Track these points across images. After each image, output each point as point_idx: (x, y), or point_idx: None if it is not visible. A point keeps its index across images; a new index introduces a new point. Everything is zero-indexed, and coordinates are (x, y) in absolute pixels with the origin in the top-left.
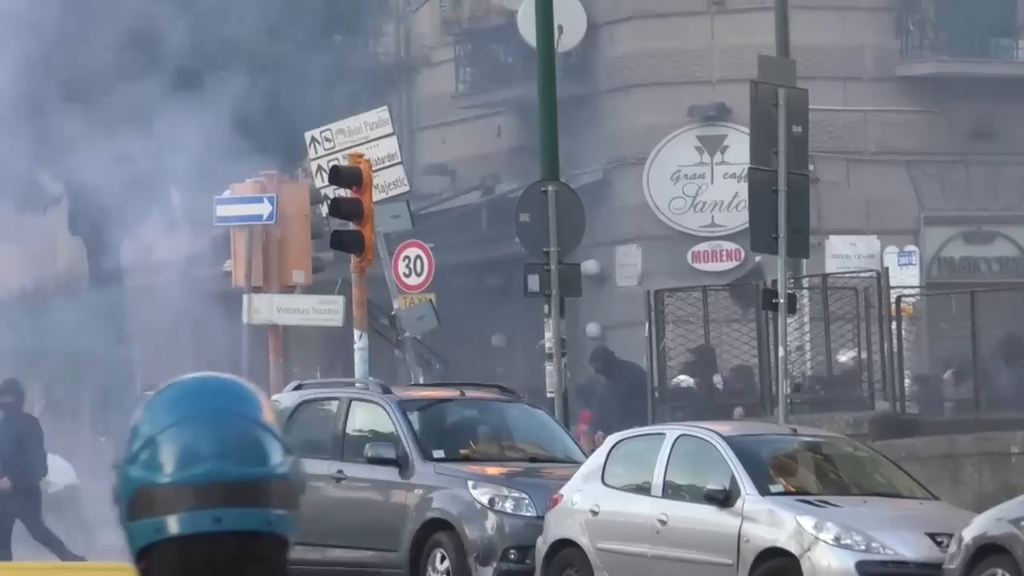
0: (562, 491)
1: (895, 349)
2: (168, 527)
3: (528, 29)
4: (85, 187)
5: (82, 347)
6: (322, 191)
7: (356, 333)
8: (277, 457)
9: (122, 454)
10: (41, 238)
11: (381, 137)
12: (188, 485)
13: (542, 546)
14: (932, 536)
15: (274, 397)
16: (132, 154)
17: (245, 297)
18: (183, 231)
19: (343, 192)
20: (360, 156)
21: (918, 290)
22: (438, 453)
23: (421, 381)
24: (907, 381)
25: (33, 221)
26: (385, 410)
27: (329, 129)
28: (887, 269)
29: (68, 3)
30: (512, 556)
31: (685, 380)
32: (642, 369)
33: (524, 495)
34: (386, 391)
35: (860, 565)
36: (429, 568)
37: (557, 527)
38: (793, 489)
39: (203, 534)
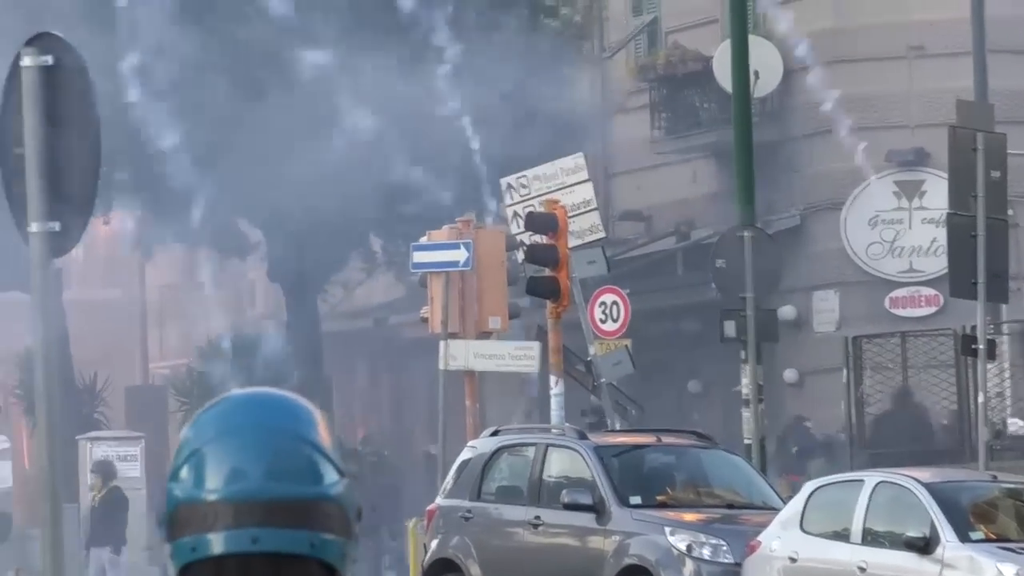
0: (760, 538)
1: None
2: (204, 546)
3: (724, 74)
4: (284, 234)
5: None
6: (518, 237)
7: (552, 379)
8: (326, 478)
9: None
10: (240, 284)
11: (577, 183)
12: (225, 502)
13: None
14: None
15: (471, 443)
16: (330, 201)
17: (442, 343)
18: (381, 278)
19: (539, 238)
20: (556, 202)
21: None
22: (635, 499)
23: (617, 427)
24: None
25: (233, 267)
26: (582, 456)
27: (525, 175)
28: None
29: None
30: None
31: (1018, 425)
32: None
33: (722, 542)
34: (583, 437)
35: None
36: None
37: (755, 574)
38: (994, 536)
39: (239, 554)
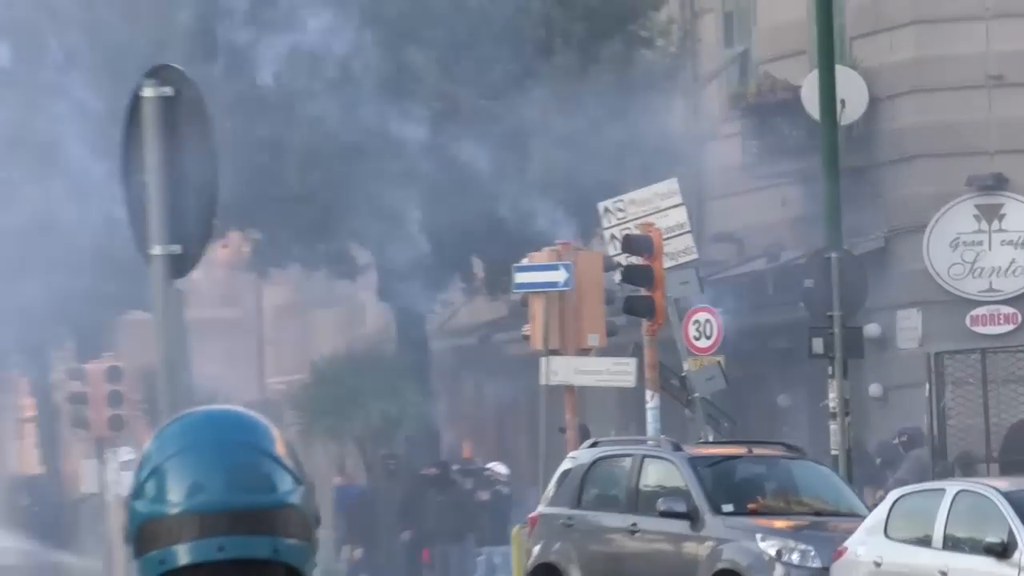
0: (846, 544)
1: None
2: (173, 558)
3: (812, 103)
4: (392, 257)
5: (390, 409)
6: (615, 259)
7: (648, 393)
8: (285, 485)
9: (130, 490)
10: (352, 304)
11: (671, 207)
12: (190, 514)
13: None
14: None
15: (572, 454)
16: (435, 225)
17: (543, 359)
18: (484, 297)
19: (635, 259)
20: (651, 225)
21: None
22: (727, 507)
23: (710, 439)
24: None
25: (344, 288)
26: (676, 466)
27: (621, 200)
28: None
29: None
30: None
31: None
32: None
33: (810, 547)
34: (677, 448)
35: None
36: None
37: None
38: None
39: (207, 564)
